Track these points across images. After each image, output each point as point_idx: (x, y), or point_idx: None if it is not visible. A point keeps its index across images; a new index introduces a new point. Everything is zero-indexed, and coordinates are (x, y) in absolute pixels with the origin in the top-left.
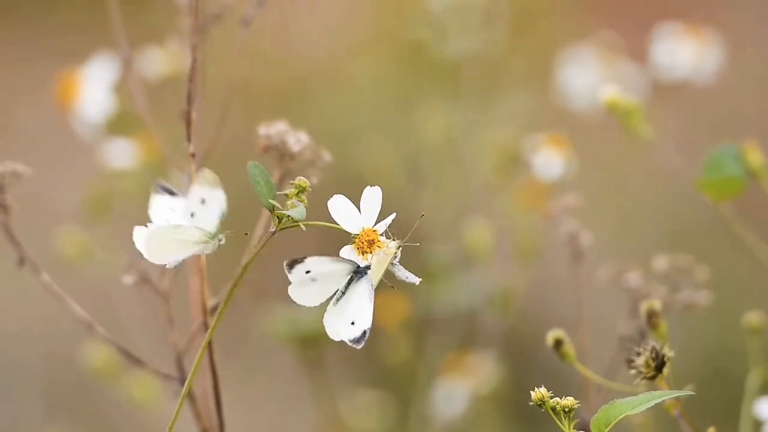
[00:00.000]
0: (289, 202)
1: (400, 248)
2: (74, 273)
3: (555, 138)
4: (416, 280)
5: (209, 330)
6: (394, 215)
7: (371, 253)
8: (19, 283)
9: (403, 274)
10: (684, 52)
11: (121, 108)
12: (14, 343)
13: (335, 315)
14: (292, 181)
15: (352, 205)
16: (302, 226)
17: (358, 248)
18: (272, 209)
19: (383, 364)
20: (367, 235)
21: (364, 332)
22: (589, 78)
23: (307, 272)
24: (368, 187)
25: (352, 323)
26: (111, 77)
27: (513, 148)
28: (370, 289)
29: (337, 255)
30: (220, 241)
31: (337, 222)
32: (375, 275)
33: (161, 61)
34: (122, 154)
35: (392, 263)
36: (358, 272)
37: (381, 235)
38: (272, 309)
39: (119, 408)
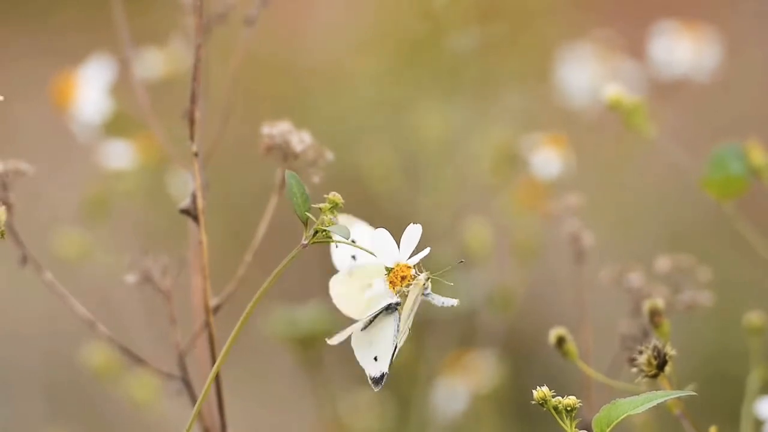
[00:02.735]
0: (327, 219)
1: (429, 279)
2: (73, 273)
3: (553, 137)
4: (454, 303)
5: (229, 340)
6: (428, 250)
7: (402, 287)
8: (18, 283)
9: (439, 300)
10: (681, 49)
11: (118, 109)
12: (14, 343)
13: (362, 343)
14: (326, 195)
15: (393, 240)
16: (334, 244)
17: (390, 282)
18: (306, 221)
19: None
20: (401, 271)
21: (383, 375)
22: (587, 76)
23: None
24: (411, 224)
25: (375, 359)
26: (107, 78)
27: (511, 147)
28: (396, 329)
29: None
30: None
31: (376, 254)
32: (407, 308)
33: (163, 60)
34: (120, 156)
35: (425, 294)
36: (389, 307)
37: (413, 268)
38: (272, 309)
39: (120, 408)
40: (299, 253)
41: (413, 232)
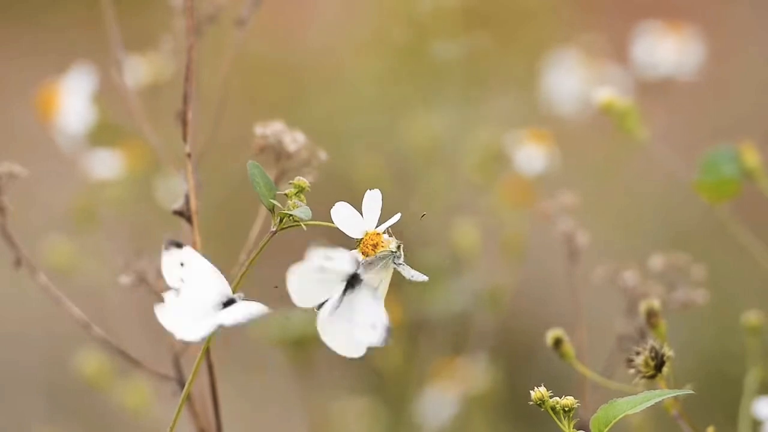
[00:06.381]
0: (290, 202)
1: (401, 247)
2: (69, 276)
3: (537, 133)
4: (423, 278)
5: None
6: (398, 216)
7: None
8: (18, 284)
9: (409, 272)
10: (664, 49)
11: (105, 116)
12: (13, 344)
13: (341, 325)
14: (291, 181)
15: (355, 210)
16: (303, 226)
17: (363, 252)
18: (272, 209)
19: (375, 368)
20: (371, 239)
21: (388, 331)
22: (574, 82)
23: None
24: (368, 190)
25: (373, 326)
26: (90, 87)
27: (497, 147)
28: (374, 290)
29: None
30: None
31: (341, 228)
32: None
33: (153, 63)
34: (106, 165)
35: (397, 263)
36: (353, 280)
37: (384, 234)
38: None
39: (118, 409)
40: (300, 255)
41: (373, 198)
